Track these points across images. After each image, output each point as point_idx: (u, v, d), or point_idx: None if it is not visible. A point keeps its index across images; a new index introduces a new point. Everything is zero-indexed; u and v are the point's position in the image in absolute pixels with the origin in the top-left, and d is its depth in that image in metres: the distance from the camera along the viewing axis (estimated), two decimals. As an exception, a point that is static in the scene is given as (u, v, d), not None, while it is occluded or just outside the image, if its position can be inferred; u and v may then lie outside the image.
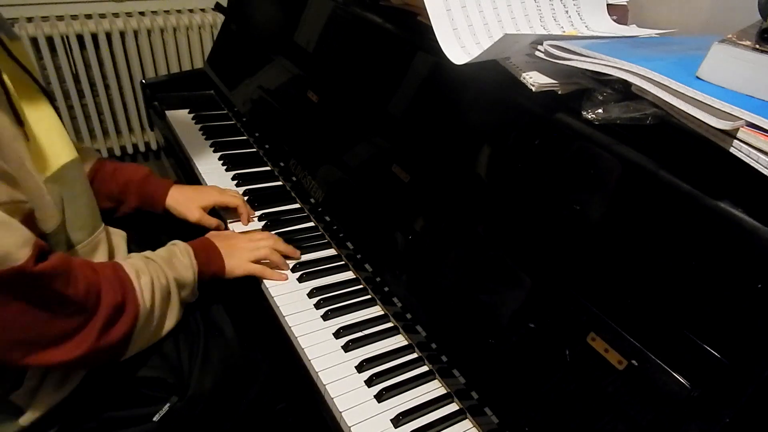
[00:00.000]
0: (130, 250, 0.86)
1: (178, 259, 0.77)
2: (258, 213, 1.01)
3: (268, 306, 0.84)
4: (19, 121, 0.62)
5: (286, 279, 0.86)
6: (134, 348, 0.69)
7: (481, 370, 0.65)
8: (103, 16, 1.96)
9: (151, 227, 1.03)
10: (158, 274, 0.72)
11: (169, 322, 0.75)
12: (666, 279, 0.51)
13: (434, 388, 0.71)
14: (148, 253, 0.77)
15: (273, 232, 0.95)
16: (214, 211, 1.00)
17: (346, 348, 0.75)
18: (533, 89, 0.63)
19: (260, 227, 0.98)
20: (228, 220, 0.99)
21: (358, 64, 0.99)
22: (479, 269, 0.67)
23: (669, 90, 0.50)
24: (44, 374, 0.67)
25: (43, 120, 0.69)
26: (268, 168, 1.16)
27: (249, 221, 0.99)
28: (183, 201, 0.96)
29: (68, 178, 0.71)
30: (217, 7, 1.52)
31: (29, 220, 0.60)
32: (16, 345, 0.57)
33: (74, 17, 1.92)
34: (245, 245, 0.86)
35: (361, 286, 0.86)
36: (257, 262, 0.86)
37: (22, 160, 0.60)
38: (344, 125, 0.98)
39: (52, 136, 0.70)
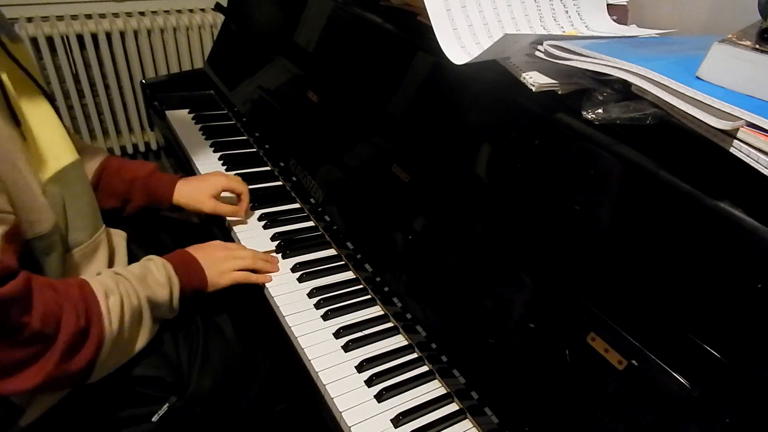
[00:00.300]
0: (129, 251, 0.86)
1: (153, 277, 0.73)
2: (258, 213, 1.01)
3: (267, 306, 0.84)
4: (17, 121, 0.62)
5: (271, 281, 0.85)
6: (101, 372, 0.66)
7: (481, 370, 0.65)
8: (103, 16, 1.96)
9: (152, 227, 1.03)
10: (129, 293, 0.68)
11: (140, 343, 0.71)
12: (666, 279, 0.51)
13: (434, 388, 0.71)
14: (120, 269, 0.72)
15: (273, 232, 0.96)
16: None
17: (346, 348, 0.75)
18: (533, 89, 0.63)
19: (260, 226, 0.98)
20: (227, 218, 0.99)
21: (358, 64, 0.99)
22: (479, 269, 0.67)
23: (669, 90, 0.50)
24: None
25: (44, 122, 0.69)
26: (268, 168, 1.16)
27: (247, 213, 0.98)
28: (192, 194, 0.94)
29: (69, 179, 0.70)
30: (217, 7, 1.52)
31: (12, 233, 0.57)
32: None
33: (74, 17, 1.92)
34: (226, 254, 0.84)
35: (361, 286, 0.86)
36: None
37: (15, 161, 0.60)
38: (344, 125, 0.98)
39: (53, 138, 0.70)
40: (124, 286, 0.68)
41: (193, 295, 0.79)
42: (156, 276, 0.73)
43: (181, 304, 0.77)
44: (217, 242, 0.87)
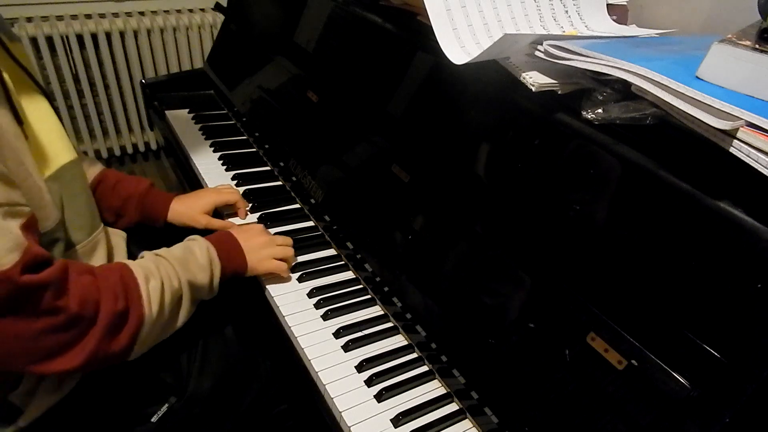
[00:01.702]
0: (129, 251, 0.86)
1: (195, 259, 0.74)
2: (258, 213, 1.01)
3: (267, 306, 0.84)
4: (19, 119, 0.62)
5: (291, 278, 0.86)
6: (139, 350, 0.67)
7: (481, 369, 0.65)
8: (102, 16, 1.97)
9: (152, 227, 1.03)
10: (170, 276, 0.70)
11: (180, 322, 0.72)
12: (666, 279, 0.51)
13: (434, 388, 0.71)
14: (162, 251, 0.74)
15: (272, 232, 0.96)
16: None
17: (346, 348, 0.75)
18: (533, 89, 0.63)
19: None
20: (225, 213, 1.00)
21: (358, 64, 0.99)
22: (479, 269, 0.67)
23: (669, 90, 0.50)
24: (42, 376, 0.67)
25: (43, 121, 0.69)
26: (267, 168, 1.16)
27: (246, 215, 1.00)
28: (185, 212, 0.96)
29: (68, 178, 0.71)
30: (217, 7, 1.52)
31: (31, 225, 0.59)
32: (14, 355, 0.56)
33: (74, 17, 1.92)
34: (265, 240, 0.84)
35: (360, 286, 0.86)
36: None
37: (21, 159, 0.60)
38: (344, 125, 0.98)
39: (52, 137, 0.70)
40: (165, 269, 0.70)
41: (233, 277, 0.80)
42: (198, 259, 0.74)
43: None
44: (259, 226, 0.88)
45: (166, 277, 0.69)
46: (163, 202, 0.96)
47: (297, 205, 1.05)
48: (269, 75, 1.24)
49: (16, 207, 0.57)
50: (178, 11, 2.09)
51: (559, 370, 0.57)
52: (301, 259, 0.90)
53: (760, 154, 0.46)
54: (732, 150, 0.48)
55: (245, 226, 0.88)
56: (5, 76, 0.62)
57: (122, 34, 1.98)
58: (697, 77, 0.53)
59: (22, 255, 0.53)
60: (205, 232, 0.93)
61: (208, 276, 0.75)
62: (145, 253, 0.74)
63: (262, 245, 0.83)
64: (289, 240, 0.88)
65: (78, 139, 2.11)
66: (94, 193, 0.91)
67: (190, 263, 0.73)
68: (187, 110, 1.38)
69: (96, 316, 0.60)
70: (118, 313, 0.62)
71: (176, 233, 1.06)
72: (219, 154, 1.19)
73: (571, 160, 0.61)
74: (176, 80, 1.47)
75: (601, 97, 0.60)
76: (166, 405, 0.75)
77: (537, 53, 0.63)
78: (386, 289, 0.81)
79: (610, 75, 0.55)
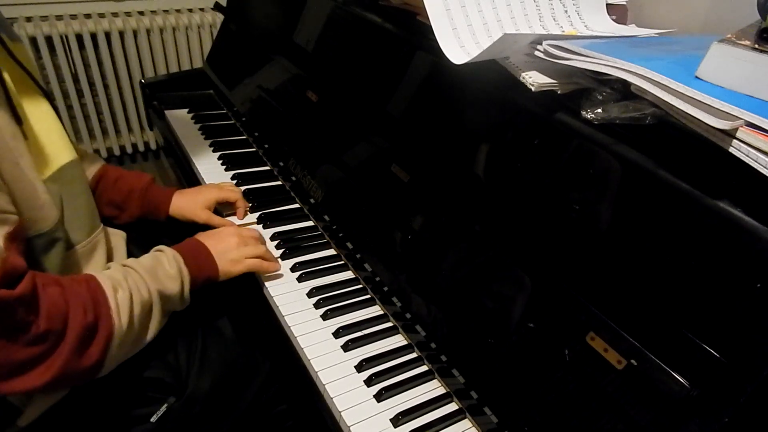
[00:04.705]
0: (129, 251, 0.86)
1: (163, 269, 0.72)
2: (257, 213, 1.01)
3: (267, 306, 0.84)
4: (18, 119, 0.62)
5: (281, 268, 0.86)
6: (110, 365, 0.65)
7: (480, 369, 0.65)
8: (102, 15, 1.96)
9: (152, 227, 1.03)
10: (139, 286, 0.67)
11: (150, 335, 0.70)
12: (665, 278, 0.51)
13: (434, 388, 0.71)
14: (130, 261, 0.71)
15: (272, 232, 0.96)
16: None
17: (346, 348, 0.75)
18: (533, 89, 0.63)
19: (260, 227, 0.98)
20: (224, 213, 1.00)
21: (358, 64, 0.99)
22: (479, 269, 0.67)
23: (668, 90, 0.50)
24: None
25: (43, 121, 0.69)
26: (267, 168, 1.16)
27: (245, 214, 1.00)
28: (186, 206, 0.96)
29: (67, 178, 0.71)
30: (217, 7, 1.52)
31: (15, 234, 0.57)
32: None
33: (73, 17, 1.92)
34: (237, 240, 0.82)
35: (360, 286, 0.86)
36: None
37: (17, 159, 0.60)
38: (344, 125, 0.98)
39: (51, 137, 0.70)
40: (134, 279, 0.67)
41: (204, 285, 0.78)
42: (167, 268, 0.72)
43: (192, 295, 0.76)
44: (229, 228, 0.86)
45: (135, 287, 0.67)
46: (164, 196, 0.96)
47: (296, 205, 1.05)
48: (269, 75, 1.24)
49: (2, 215, 0.56)
50: (178, 11, 2.09)
51: (559, 370, 0.57)
52: (300, 258, 0.90)
53: (759, 154, 0.46)
54: (731, 150, 0.48)
55: (214, 230, 0.86)
56: (5, 76, 0.62)
57: (122, 34, 1.97)
58: (696, 77, 0.53)
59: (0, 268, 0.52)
60: (203, 228, 0.93)
61: (178, 285, 0.73)
62: (112, 264, 0.71)
63: (233, 247, 0.81)
64: (255, 232, 0.87)
65: (78, 139, 2.11)
66: (95, 188, 0.91)
67: (158, 273, 0.71)
68: (187, 110, 1.38)
69: (65, 330, 0.58)
70: (87, 325, 0.60)
71: (176, 233, 1.07)
72: (218, 153, 1.19)
73: (571, 160, 0.61)
74: (176, 80, 1.47)
75: (600, 97, 0.60)
76: (165, 405, 0.75)
77: (536, 53, 0.63)
78: (386, 288, 0.81)
79: (610, 75, 0.55)
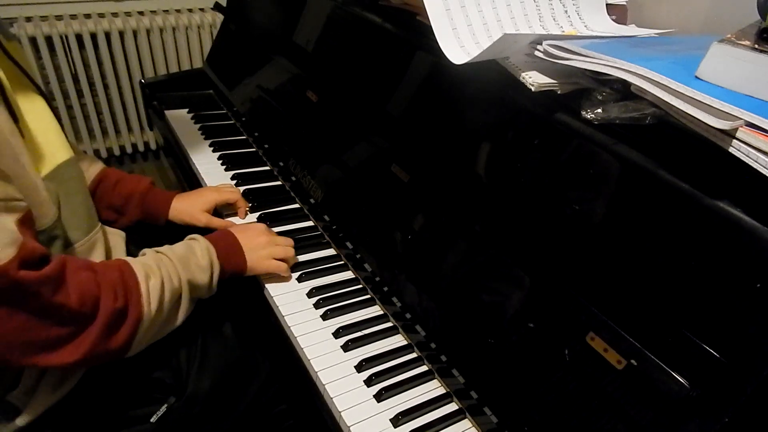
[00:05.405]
0: (128, 251, 0.86)
1: (195, 259, 0.74)
2: (257, 213, 1.01)
3: (267, 306, 0.84)
4: (14, 117, 0.62)
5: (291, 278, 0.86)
6: (137, 348, 0.67)
7: (480, 369, 0.65)
8: (102, 15, 1.96)
9: (152, 227, 1.02)
10: (170, 274, 0.70)
11: (178, 321, 0.73)
12: (665, 278, 0.51)
13: (433, 388, 0.71)
14: (164, 248, 0.74)
15: (272, 232, 0.96)
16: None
17: (346, 348, 0.75)
18: (533, 89, 0.63)
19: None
20: (224, 213, 1.00)
21: (358, 64, 0.99)
22: (479, 269, 0.67)
23: (668, 90, 0.50)
24: (41, 375, 0.67)
25: (39, 119, 0.69)
26: (267, 168, 1.16)
27: (246, 214, 1.00)
28: (186, 209, 0.96)
29: (64, 177, 0.70)
30: (217, 7, 1.52)
31: (27, 220, 0.59)
32: (10, 347, 0.56)
33: (73, 17, 1.92)
34: (265, 239, 0.84)
35: (360, 286, 0.86)
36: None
37: (18, 156, 0.60)
38: (343, 125, 0.98)
39: (48, 136, 0.70)
40: (166, 267, 0.70)
41: (231, 278, 0.80)
42: (199, 259, 0.74)
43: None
44: (261, 226, 0.88)
45: (167, 275, 0.69)
46: (164, 200, 0.96)
47: (296, 205, 1.05)
48: (269, 75, 1.24)
49: (12, 202, 0.57)
50: (178, 11, 2.09)
51: (559, 370, 0.57)
52: (300, 258, 0.90)
53: (759, 154, 0.46)
54: (731, 150, 0.48)
55: (246, 225, 0.88)
56: (1, 74, 0.62)
57: (121, 34, 1.98)
58: (696, 77, 0.53)
59: (18, 250, 0.53)
60: (204, 231, 0.93)
61: (207, 276, 0.75)
62: (147, 251, 0.73)
63: (262, 245, 0.83)
64: (290, 241, 0.88)
65: (77, 139, 2.11)
66: (95, 191, 0.91)
67: (190, 263, 0.73)
68: (187, 110, 1.38)
69: (95, 312, 0.60)
70: (117, 310, 0.62)
71: (175, 233, 1.06)
72: (218, 153, 1.19)
73: (571, 159, 0.61)
74: (175, 80, 1.47)
75: (600, 97, 0.60)
76: (166, 405, 0.75)
77: (536, 53, 0.63)
78: (386, 288, 0.81)
79: (610, 75, 0.55)
